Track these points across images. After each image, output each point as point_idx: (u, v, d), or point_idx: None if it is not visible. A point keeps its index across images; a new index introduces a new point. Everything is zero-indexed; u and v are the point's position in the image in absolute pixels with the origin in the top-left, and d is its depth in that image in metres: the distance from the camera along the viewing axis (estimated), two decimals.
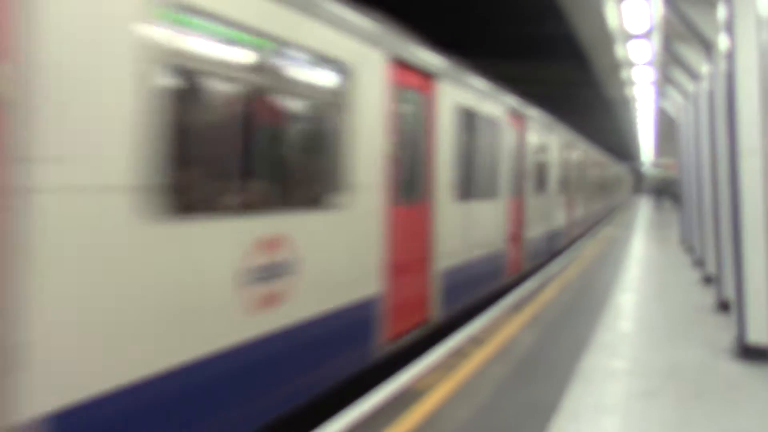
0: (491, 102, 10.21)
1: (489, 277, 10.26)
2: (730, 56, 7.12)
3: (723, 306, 9.38)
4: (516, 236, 12.15)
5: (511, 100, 11.51)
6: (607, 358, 7.00)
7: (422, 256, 7.59)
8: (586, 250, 17.59)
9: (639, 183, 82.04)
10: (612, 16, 12.92)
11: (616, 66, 18.25)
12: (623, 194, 47.81)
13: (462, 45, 15.31)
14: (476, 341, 7.43)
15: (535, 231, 13.69)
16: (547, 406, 5.44)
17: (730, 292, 8.05)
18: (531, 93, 22.17)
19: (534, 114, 13.67)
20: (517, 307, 9.44)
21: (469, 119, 9.15)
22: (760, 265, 6.93)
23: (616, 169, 42.75)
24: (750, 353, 7.09)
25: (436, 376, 6.14)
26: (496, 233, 10.69)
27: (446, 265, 8.18)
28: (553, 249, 16.41)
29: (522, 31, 17.61)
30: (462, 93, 8.77)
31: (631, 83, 21.24)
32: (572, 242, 20.37)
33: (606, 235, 22.96)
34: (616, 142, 60.62)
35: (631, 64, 17.71)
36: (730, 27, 7.09)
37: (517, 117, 11.98)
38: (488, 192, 10.12)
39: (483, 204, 9.83)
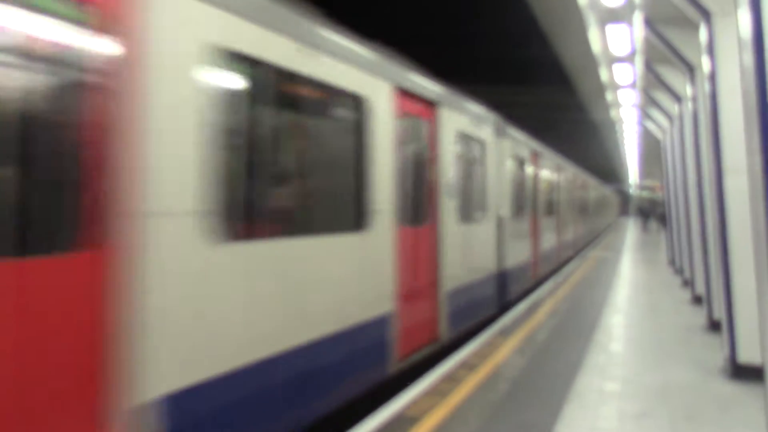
0: (483, 125, 10.52)
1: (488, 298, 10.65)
2: (713, 77, 7.21)
3: (713, 326, 9.40)
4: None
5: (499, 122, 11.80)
6: (599, 379, 6.98)
7: (432, 277, 8.03)
8: (576, 273, 17.62)
9: (626, 205, 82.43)
10: (595, 40, 13.07)
11: (600, 89, 18.45)
12: (610, 217, 47.81)
13: (446, 69, 15.42)
14: (468, 366, 7.40)
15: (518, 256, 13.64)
16: (541, 430, 5.42)
17: (720, 312, 8.07)
18: (517, 116, 22.36)
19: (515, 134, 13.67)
20: (509, 331, 9.41)
21: (466, 143, 9.49)
22: (748, 284, 6.95)
23: (601, 190, 42.95)
24: (742, 372, 7.10)
25: (429, 401, 6.09)
26: (491, 254, 10.92)
27: (452, 286, 8.58)
28: (541, 273, 16.55)
29: (507, 55, 17.78)
30: (460, 118, 9.14)
31: (616, 106, 21.45)
32: (558, 267, 20.42)
33: (594, 256, 23.01)
34: (602, 164, 61.09)
35: (615, 87, 17.91)
36: (711, 49, 7.19)
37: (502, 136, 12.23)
38: (481, 214, 10.35)
39: (478, 226, 10.09)
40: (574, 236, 24.51)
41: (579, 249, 26.52)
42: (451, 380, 6.80)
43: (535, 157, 15.62)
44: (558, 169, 19.42)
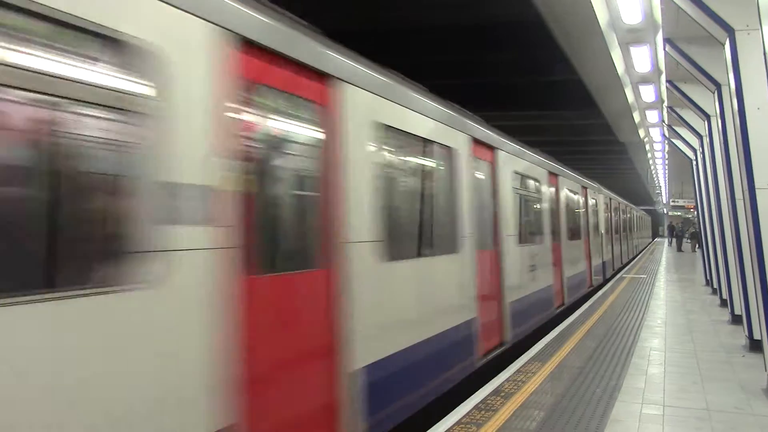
0: (536, 165, 12.35)
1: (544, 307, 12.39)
2: (739, 94, 7.15)
3: (753, 345, 9.20)
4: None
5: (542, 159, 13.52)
6: (639, 404, 6.85)
7: (498, 291, 9.47)
8: (612, 294, 17.38)
9: (659, 226, 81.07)
10: (619, 61, 13.04)
11: (627, 110, 18.33)
12: (642, 240, 47.94)
13: (473, 98, 15.47)
14: (502, 394, 7.30)
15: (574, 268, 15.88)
16: None
17: (759, 332, 7.89)
18: (545, 141, 22.29)
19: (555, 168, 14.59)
20: (544, 356, 9.28)
21: (520, 179, 11.09)
22: None
23: (634, 213, 42.74)
24: None
25: (464, 431, 6.01)
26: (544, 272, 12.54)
27: (512, 299, 10.03)
28: (585, 285, 17.87)
29: (531, 81, 17.78)
30: (513, 158, 10.66)
31: (644, 126, 21.29)
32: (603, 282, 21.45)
33: (630, 278, 22.70)
34: (634, 186, 60.49)
35: (642, 107, 17.80)
36: (736, 65, 7.14)
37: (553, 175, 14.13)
38: (537, 237, 12.12)
39: (533, 247, 11.71)
40: (617, 252, 27.17)
41: (618, 266, 27.04)
42: (486, 409, 6.71)
43: (585, 191, 18.16)
44: (596, 196, 20.94)
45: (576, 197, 16.90)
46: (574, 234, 15.94)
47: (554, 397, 7.15)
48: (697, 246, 40.20)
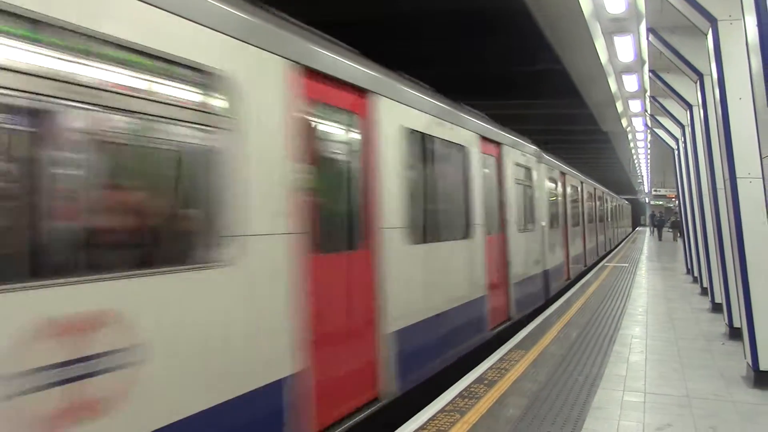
0: (529, 156, 13.24)
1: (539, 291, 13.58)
2: (721, 84, 7.19)
3: (733, 333, 9.30)
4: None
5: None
6: (620, 391, 6.91)
7: (504, 272, 10.64)
8: (594, 283, 17.50)
9: (640, 215, 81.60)
10: (602, 51, 13.06)
11: (610, 99, 18.39)
12: (622, 230, 47.05)
13: (458, 86, 15.44)
14: (486, 382, 7.35)
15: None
16: None
17: (739, 320, 7.98)
18: (529, 130, 22.31)
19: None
20: (527, 344, 9.34)
21: (520, 170, 12.10)
22: (767, 291, 6.89)
23: (616, 201, 42.85)
24: (764, 380, 7.02)
25: (447, 419, 6.05)
26: (540, 257, 13.60)
27: (516, 280, 11.27)
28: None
29: (516, 70, 17.77)
30: (515, 152, 11.77)
31: (627, 115, 21.39)
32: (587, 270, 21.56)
33: (611, 267, 22.86)
34: (617, 175, 60.83)
35: (625, 97, 17.86)
36: (718, 55, 7.17)
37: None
38: (531, 225, 13.03)
39: (531, 234, 12.74)
40: (597, 242, 26.76)
41: (597, 257, 26.67)
42: (470, 397, 6.76)
43: (563, 177, 18.07)
44: (579, 184, 21.27)
45: (559, 186, 17.24)
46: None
47: (537, 384, 7.20)
48: (678, 235, 39.91)
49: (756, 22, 4.73)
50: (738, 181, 7.17)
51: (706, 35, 7.60)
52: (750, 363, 7.20)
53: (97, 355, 3.28)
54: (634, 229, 70.65)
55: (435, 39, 15.24)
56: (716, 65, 7.28)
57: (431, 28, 14.60)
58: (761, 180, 6.17)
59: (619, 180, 65.50)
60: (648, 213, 68.95)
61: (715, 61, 7.31)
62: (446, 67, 16.75)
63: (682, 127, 15.06)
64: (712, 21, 7.24)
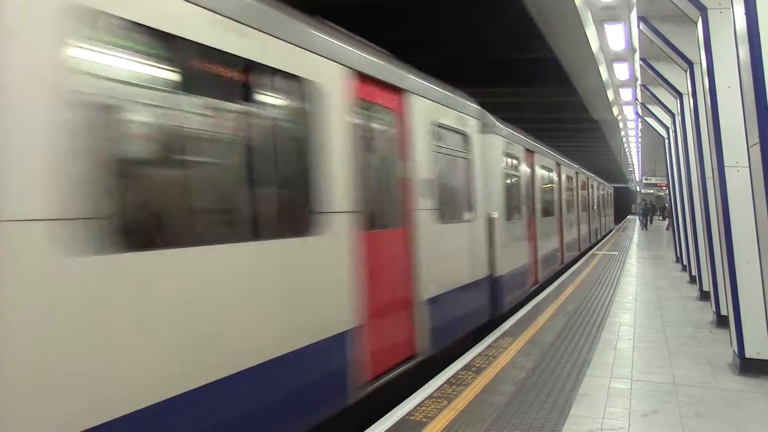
0: (516, 143, 13.40)
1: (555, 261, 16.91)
2: (710, 72, 7.20)
3: (721, 321, 9.36)
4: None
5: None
6: (607, 378, 6.96)
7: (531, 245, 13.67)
8: (583, 272, 17.57)
9: (631, 203, 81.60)
10: (594, 39, 13.06)
11: (601, 87, 18.41)
12: (603, 223, 39.26)
13: (447, 73, 15.44)
14: (474, 369, 7.38)
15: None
16: None
17: (726, 308, 8.03)
18: (520, 118, 22.32)
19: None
20: (515, 332, 9.38)
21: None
22: (754, 279, 6.93)
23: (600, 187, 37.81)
24: (749, 367, 7.07)
25: (435, 405, 6.08)
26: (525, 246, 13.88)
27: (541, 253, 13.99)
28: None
29: (506, 57, 17.76)
30: (504, 139, 11.89)
31: (618, 104, 21.42)
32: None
33: (601, 255, 22.93)
34: (608, 164, 60.96)
35: (616, 85, 17.88)
36: (708, 44, 7.18)
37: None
38: (518, 215, 13.15)
39: (518, 222, 12.86)
40: (579, 235, 24.00)
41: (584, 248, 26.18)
42: (457, 384, 6.79)
43: (530, 155, 14.92)
44: (554, 166, 18.50)
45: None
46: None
47: (524, 371, 7.24)
48: (667, 226, 37.88)
49: (744, 11, 4.74)
50: (726, 169, 7.19)
51: (696, 24, 7.61)
52: (736, 350, 7.26)
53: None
54: (620, 224, 62.85)
55: (422, 24, 15.22)
56: (706, 54, 7.29)
57: (418, 14, 14.57)
58: (748, 169, 6.20)
59: (610, 168, 65.64)
60: (638, 201, 68.91)
61: (704, 50, 7.32)
62: (434, 54, 16.71)
63: (673, 115, 15.09)
64: (702, 10, 7.24)
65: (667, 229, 38.70)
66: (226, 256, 4.26)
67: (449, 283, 8.26)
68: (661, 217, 48.80)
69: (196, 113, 4.22)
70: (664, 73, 12.39)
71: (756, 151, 5.04)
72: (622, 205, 72.35)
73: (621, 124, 28.08)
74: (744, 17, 4.81)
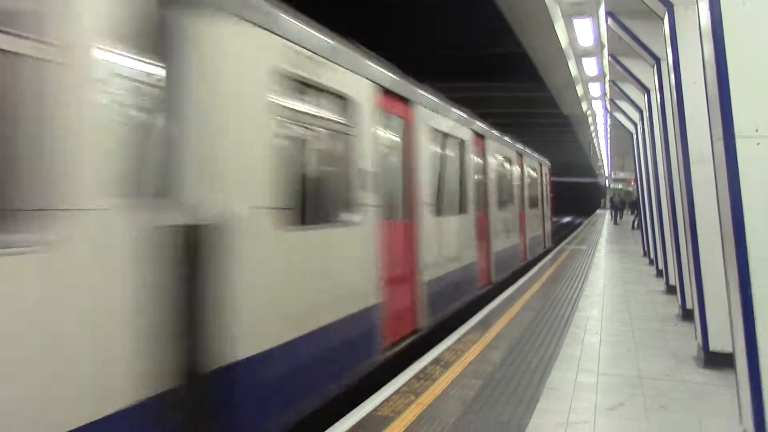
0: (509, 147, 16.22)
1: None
2: (676, 68, 7.25)
3: (686, 315, 9.47)
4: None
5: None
6: (574, 372, 7.00)
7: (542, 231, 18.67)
8: (552, 266, 17.68)
9: (600, 200, 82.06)
10: (562, 34, 13.11)
11: (570, 82, 18.52)
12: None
13: (418, 69, 15.43)
14: (442, 363, 7.38)
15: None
16: (514, 426, 5.40)
17: (692, 301, 8.12)
18: (490, 113, 22.38)
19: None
20: (483, 326, 9.40)
21: (498, 156, 14.68)
22: (718, 273, 6.99)
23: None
24: (714, 360, 7.15)
25: (403, 400, 6.06)
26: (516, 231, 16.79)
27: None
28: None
29: (476, 52, 17.80)
30: (495, 143, 14.25)
31: (587, 99, 21.57)
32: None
33: (571, 249, 23.12)
34: (579, 159, 61.47)
35: (585, 81, 17.99)
36: (674, 40, 7.23)
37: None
38: (508, 206, 15.57)
39: (507, 212, 15.34)
40: (543, 230, 22.58)
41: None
42: (426, 378, 6.77)
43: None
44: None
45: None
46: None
47: (492, 366, 7.25)
48: (636, 224, 33.30)
49: (708, 8, 4.76)
50: (691, 164, 7.26)
51: (662, 20, 7.66)
52: (701, 344, 7.34)
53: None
54: (587, 219, 58.10)
55: (403, 21, 15.18)
56: (672, 50, 7.34)
57: (403, 10, 14.54)
58: (712, 163, 6.25)
59: (580, 163, 66.23)
60: (609, 196, 69.41)
61: (671, 46, 7.37)
62: (404, 49, 16.68)
63: (640, 111, 15.24)
64: (669, 6, 7.29)
65: (634, 228, 34.26)
66: (339, 234, 6.37)
67: (446, 267, 9.85)
68: (630, 212, 49.16)
69: (329, 140, 6.40)
70: (632, 69, 12.50)
71: (720, 146, 5.07)
72: (593, 199, 73.10)
73: (590, 119, 28.29)
74: (708, 13, 4.83)
